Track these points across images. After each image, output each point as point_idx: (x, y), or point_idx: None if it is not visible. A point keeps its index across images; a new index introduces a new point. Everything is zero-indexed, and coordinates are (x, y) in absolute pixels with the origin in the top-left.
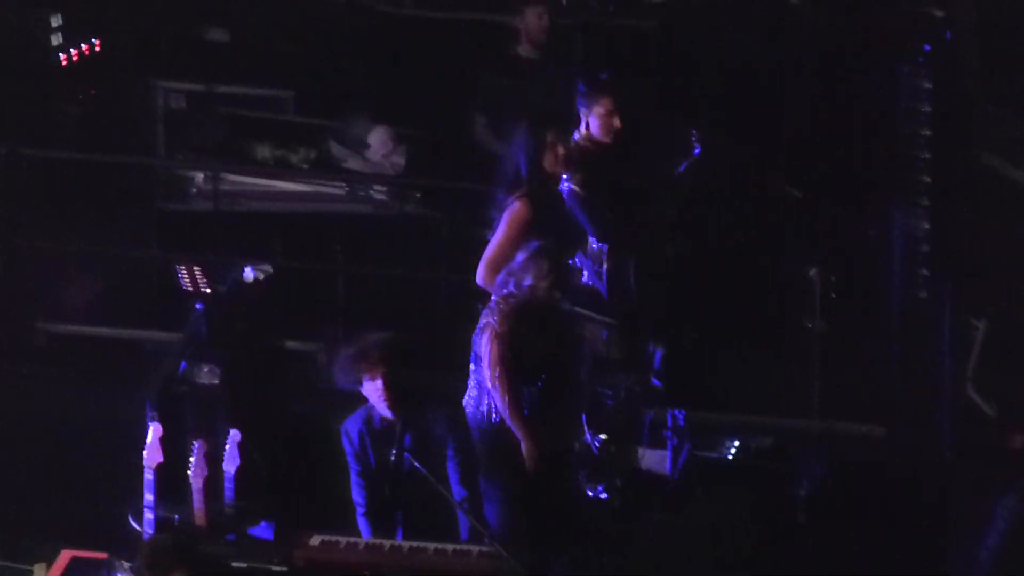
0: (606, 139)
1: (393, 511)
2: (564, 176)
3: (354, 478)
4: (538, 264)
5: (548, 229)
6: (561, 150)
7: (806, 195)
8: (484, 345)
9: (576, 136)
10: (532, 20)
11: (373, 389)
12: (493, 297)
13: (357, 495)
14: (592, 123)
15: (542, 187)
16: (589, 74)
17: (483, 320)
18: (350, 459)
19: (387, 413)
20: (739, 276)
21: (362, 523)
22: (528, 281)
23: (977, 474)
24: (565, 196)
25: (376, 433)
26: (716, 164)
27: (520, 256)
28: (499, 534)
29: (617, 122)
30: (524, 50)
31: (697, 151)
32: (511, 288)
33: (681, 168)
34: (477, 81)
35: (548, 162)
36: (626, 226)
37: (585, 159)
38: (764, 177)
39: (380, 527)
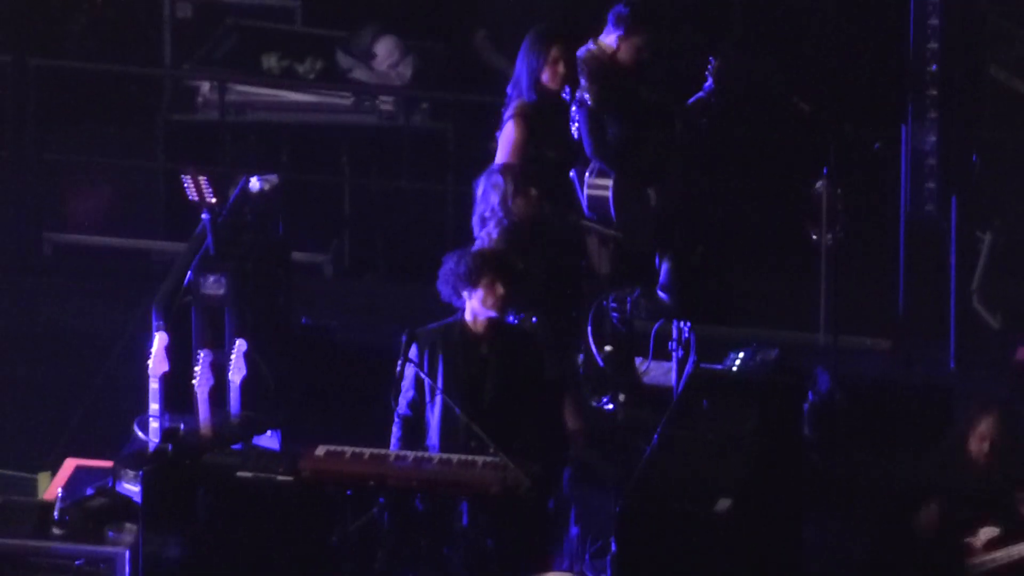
0: (631, 65)
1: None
2: (580, 86)
3: (406, 382)
4: (496, 183)
5: (546, 144)
6: (562, 67)
7: (813, 109)
8: None
9: (592, 47)
10: None
11: (484, 296)
12: (483, 235)
13: (402, 401)
14: (623, 47)
15: (539, 102)
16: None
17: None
18: (408, 365)
19: (493, 315)
20: (746, 189)
21: (396, 427)
22: (497, 202)
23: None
24: (575, 107)
25: (452, 346)
26: (725, 79)
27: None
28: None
29: (647, 53)
30: None
31: (709, 85)
32: (491, 215)
33: (691, 100)
34: None
35: (549, 77)
36: (631, 146)
37: (602, 74)
38: (771, 90)
39: (414, 433)
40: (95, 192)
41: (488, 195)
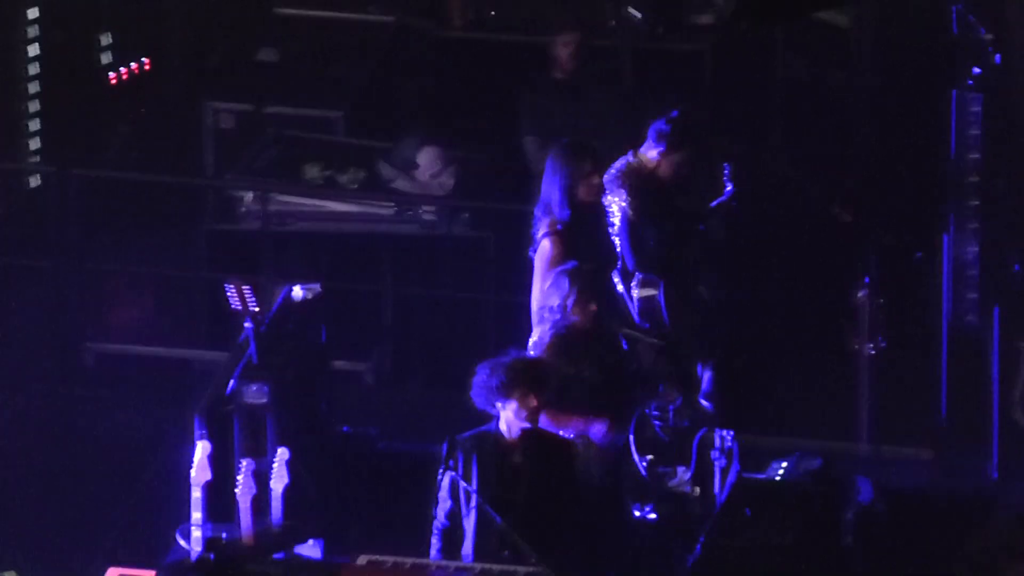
0: (671, 179)
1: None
2: (621, 198)
3: (443, 492)
4: (560, 285)
5: (581, 256)
6: (597, 179)
7: (855, 218)
8: None
9: (631, 159)
10: (560, 48)
11: (518, 408)
12: (539, 335)
13: (440, 511)
14: (664, 163)
15: (573, 218)
16: (672, 116)
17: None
18: (446, 475)
19: (527, 426)
20: (787, 298)
21: (436, 537)
22: (557, 304)
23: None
24: (621, 218)
25: (486, 454)
26: (766, 187)
27: (546, 285)
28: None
29: (687, 168)
30: (559, 74)
31: (729, 190)
32: (549, 316)
33: (713, 204)
34: (520, 101)
35: (584, 191)
36: (671, 254)
37: (642, 187)
38: (813, 199)
39: (452, 544)
40: (137, 302)
41: (551, 293)
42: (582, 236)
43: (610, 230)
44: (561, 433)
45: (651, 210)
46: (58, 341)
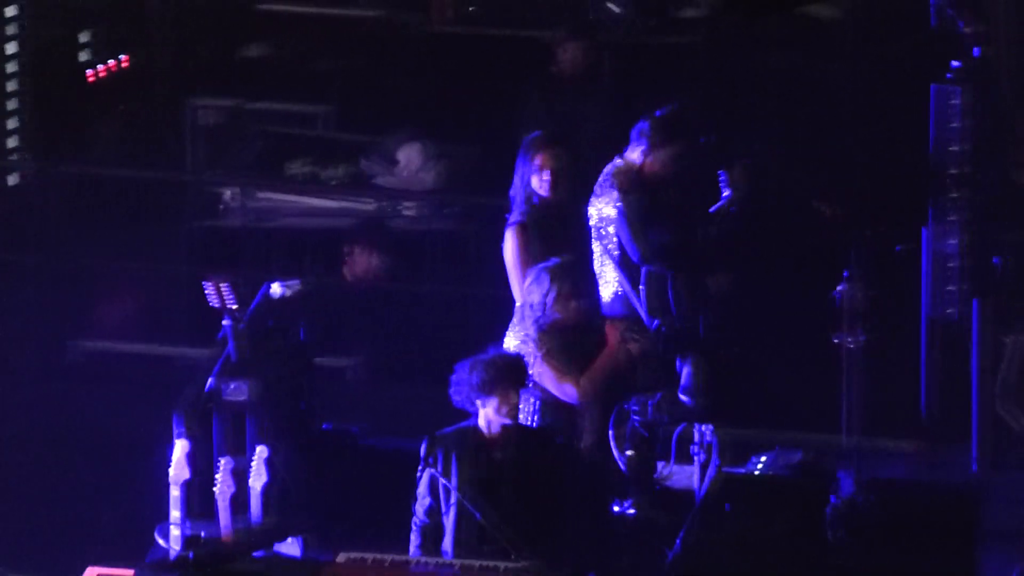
0: (658, 177)
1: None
2: (614, 198)
3: (422, 489)
4: (540, 282)
5: (551, 249)
6: (548, 175)
7: (835, 211)
8: (541, 373)
9: (619, 162)
10: (562, 55)
11: (499, 405)
12: (524, 333)
13: (419, 508)
14: (648, 161)
15: (536, 210)
16: (653, 114)
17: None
18: (426, 471)
19: (508, 422)
20: (768, 292)
21: (416, 534)
22: (537, 302)
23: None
24: (618, 214)
25: (466, 450)
26: (749, 181)
27: (525, 282)
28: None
29: (672, 166)
30: (561, 73)
31: (726, 196)
32: (530, 313)
33: (712, 209)
34: (523, 99)
35: (537, 185)
36: (666, 250)
37: (631, 187)
38: (793, 193)
39: (433, 541)
40: (120, 299)
41: (531, 290)
42: (545, 229)
43: (593, 229)
44: (554, 391)
45: (647, 209)
46: (41, 338)
